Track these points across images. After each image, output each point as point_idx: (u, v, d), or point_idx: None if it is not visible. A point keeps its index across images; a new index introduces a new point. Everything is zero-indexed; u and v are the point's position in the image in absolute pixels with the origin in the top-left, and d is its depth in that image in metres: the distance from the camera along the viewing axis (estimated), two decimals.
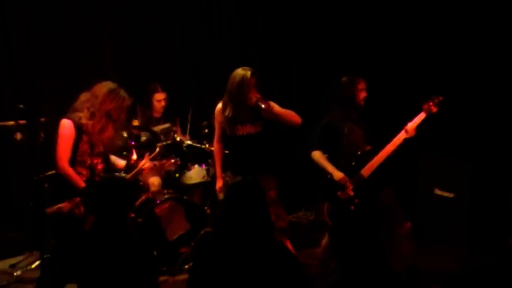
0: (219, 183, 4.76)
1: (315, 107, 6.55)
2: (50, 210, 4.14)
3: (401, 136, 4.55)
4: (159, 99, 5.53)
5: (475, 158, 5.69)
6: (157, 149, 4.89)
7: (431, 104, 4.54)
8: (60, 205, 4.12)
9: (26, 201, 5.43)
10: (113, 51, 6.16)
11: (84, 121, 4.14)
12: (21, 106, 4.48)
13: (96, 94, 4.17)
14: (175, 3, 6.49)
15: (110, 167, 4.52)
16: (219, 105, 4.67)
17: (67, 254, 3.42)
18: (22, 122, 4.74)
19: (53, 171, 4.79)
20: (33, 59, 5.82)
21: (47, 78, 5.89)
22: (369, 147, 4.60)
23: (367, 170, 4.56)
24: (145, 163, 4.69)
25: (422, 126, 4.57)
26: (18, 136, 4.79)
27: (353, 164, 4.58)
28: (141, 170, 4.68)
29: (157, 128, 5.48)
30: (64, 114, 4.18)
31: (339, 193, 4.54)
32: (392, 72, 6.30)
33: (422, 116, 4.55)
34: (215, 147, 4.84)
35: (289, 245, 4.46)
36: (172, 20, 6.48)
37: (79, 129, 4.13)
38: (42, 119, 4.92)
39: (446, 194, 5.73)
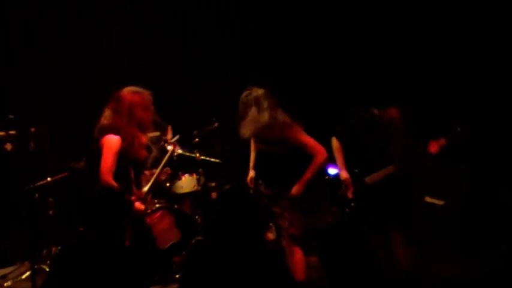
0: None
1: (315, 108, 6.50)
2: None
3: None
4: None
5: (470, 162, 5.69)
6: (169, 153, 4.69)
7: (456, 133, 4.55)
8: None
9: (17, 211, 5.42)
10: (113, 51, 6.18)
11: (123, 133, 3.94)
12: (10, 116, 4.48)
13: (121, 101, 4.03)
14: (175, 3, 6.53)
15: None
16: None
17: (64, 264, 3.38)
18: (12, 132, 4.73)
19: (45, 181, 4.79)
20: (33, 59, 5.83)
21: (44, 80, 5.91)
22: (384, 157, 4.57)
23: (372, 178, 4.57)
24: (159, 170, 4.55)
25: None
26: (9, 146, 4.77)
27: (357, 170, 4.60)
28: (158, 180, 4.58)
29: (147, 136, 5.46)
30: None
31: (338, 192, 4.57)
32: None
33: (442, 141, 4.52)
34: None
35: (299, 253, 4.38)
36: (172, 20, 6.51)
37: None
38: (33, 129, 4.91)
39: (436, 202, 5.75)
